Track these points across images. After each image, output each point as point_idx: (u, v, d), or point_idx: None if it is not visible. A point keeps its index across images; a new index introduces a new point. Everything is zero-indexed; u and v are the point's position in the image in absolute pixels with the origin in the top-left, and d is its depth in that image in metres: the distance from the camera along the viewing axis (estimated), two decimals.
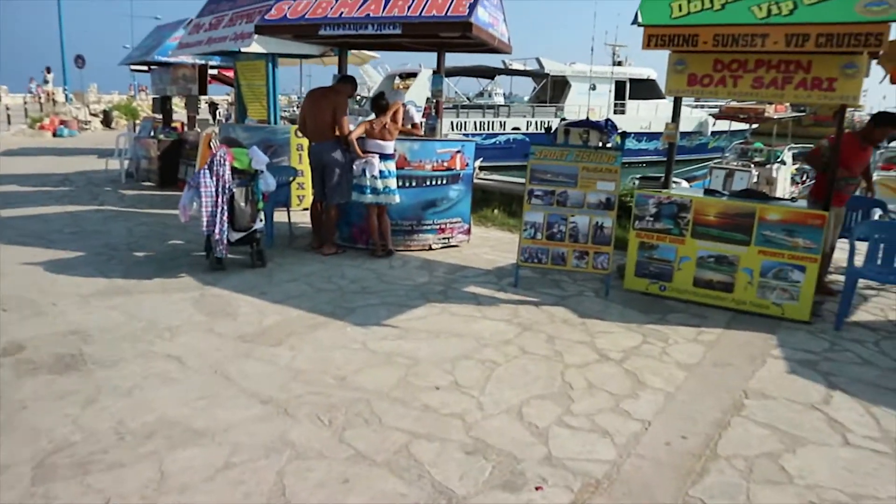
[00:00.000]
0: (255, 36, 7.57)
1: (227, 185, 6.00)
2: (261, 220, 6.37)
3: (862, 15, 4.68)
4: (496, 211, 9.22)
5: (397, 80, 29.84)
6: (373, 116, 6.88)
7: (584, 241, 5.95)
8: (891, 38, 4.73)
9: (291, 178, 8.14)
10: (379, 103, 6.90)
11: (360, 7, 6.69)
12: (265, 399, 3.68)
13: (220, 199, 5.97)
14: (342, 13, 6.64)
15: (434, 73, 8.28)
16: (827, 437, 3.50)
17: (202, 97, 13.39)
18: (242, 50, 8.83)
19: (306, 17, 6.75)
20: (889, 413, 3.84)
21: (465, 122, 26.69)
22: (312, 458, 3.11)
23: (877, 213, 6.99)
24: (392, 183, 6.86)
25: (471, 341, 4.67)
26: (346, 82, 7.29)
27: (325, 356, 4.32)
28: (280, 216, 7.79)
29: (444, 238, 7.51)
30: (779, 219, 5.35)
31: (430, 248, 7.41)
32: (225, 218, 6.03)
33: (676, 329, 5.12)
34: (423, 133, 7.68)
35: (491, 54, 8.50)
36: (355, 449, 3.19)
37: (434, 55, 7.98)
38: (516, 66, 30.76)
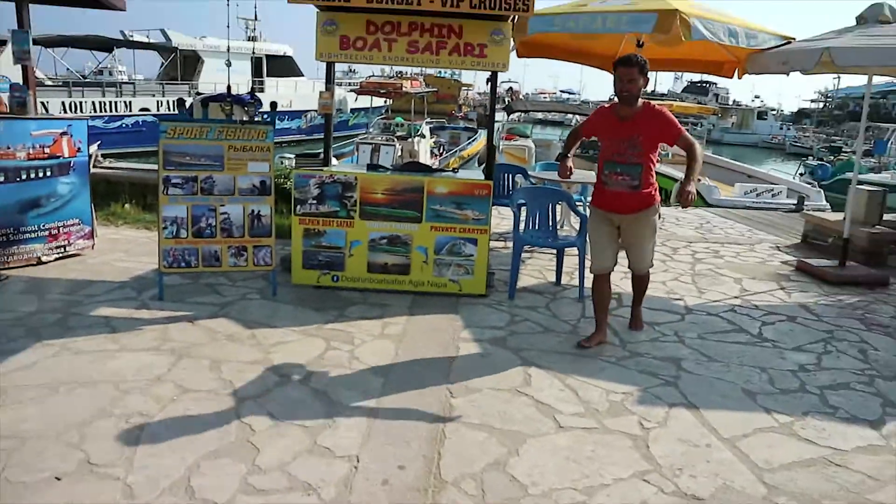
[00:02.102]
0: None
1: None
2: None
3: None
4: (127, 206, 7.61)
5: None
6: None
7: (239, 234, 4.99)
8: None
9: None
10: None
11: None
12: None
13: None
14: None
15: (17, 29, 6.33)
16: (541, 426, 3.25)
17: None
18: None
19: None
20: (581, 381, 3.80)
21: (82, 103, 22.90)
22: None
23: (520, 181, 7.38)
24: None
25: (107, 389, 3.43)
26: None
27: None
28: None
29: (58, 247, 5.81)
30: (447, 191, 5.10)
31: (40, 262, 5.66)
32: None
33: (359, 325, 4.55)
34: (7, 110, 5.80)
35: (100, 11, 6.85)
36: None
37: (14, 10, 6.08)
38: (138, 37, 27.42)
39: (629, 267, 4.53)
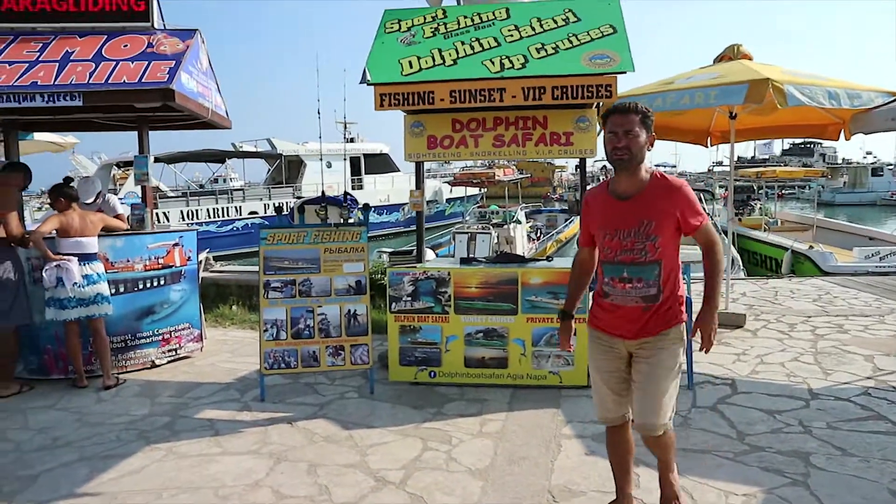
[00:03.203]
0: None
1: None
2: None
3: (589, 67, 4.61)
4: (234, 307, 7.98)
5: (115, 171, 26.89)
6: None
7: (336, 334, 5.08)
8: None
9: None
10: (63, 191, 5.43)
11: (22, 74, 5.29)
12: None
13: None
14: None
15: (138, 154, 6.95)
16: None
17: None
18: None
19: None
20: (695, 482, 3.49)
21: (197, 211, 24.71)
22: None
23: None
24: (104, 288, 5.41)
25: (207, 495, 3.48)
26: (12, 170, 5.70)
27: None
28: None
29: (169, 350, 6.12)
30: (542, 281, 5.00)
31: (154, 366, 5.97)
32: None
33: (457, 423, 4.42)
34: (128, 226, 6.29)
35: (212, 131, 7.44)
36: None
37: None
38: (247, 147, 29.56)
39: (633, 422, 3.03)
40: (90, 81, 5.31)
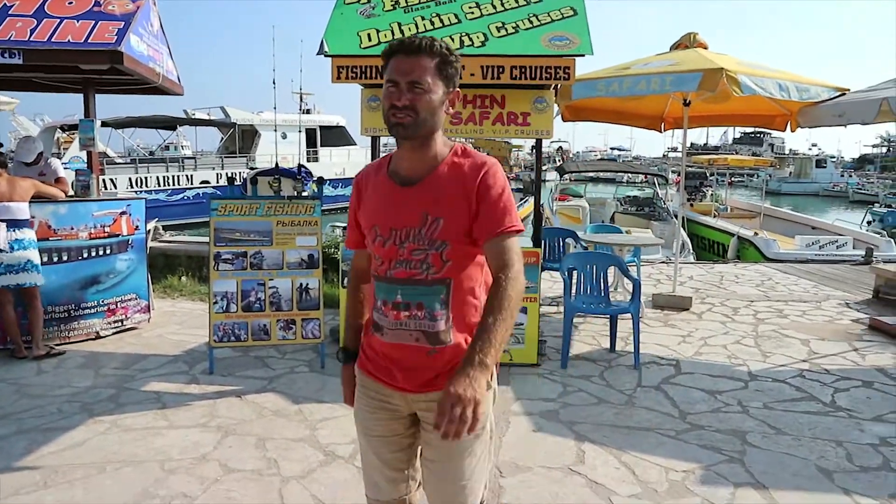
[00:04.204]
0: None
1: None
2: None
3: (548, 49, 4.61)
4: (184, 278, 7.82)
5: (59, 134, 25.84)
6: None
7: (288, 307, 5.03)
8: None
9: None
10: None
11: None
12: None
13: None
14: None
15: (84, 118, 6.70)
16: None
17: None
18: None
19: None
20: (638, 458, 3.59)
21: (147, 178, 23.97)
22: None
23: (570, 244, 7.27)
24: (33, 255, 5.20)
25: (152, 468, 3.43)
26: None
27: None
28: None
29: (115, 321, 5.96)
30: None
31: (99, 337, 5.81)
32: None
33: None
34: (71, 192, 6.07)
35: (163, 97, 7.18)
36: None
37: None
38: (200, 115, 28.76)
39: None
40: (31, 39, 5.09)
